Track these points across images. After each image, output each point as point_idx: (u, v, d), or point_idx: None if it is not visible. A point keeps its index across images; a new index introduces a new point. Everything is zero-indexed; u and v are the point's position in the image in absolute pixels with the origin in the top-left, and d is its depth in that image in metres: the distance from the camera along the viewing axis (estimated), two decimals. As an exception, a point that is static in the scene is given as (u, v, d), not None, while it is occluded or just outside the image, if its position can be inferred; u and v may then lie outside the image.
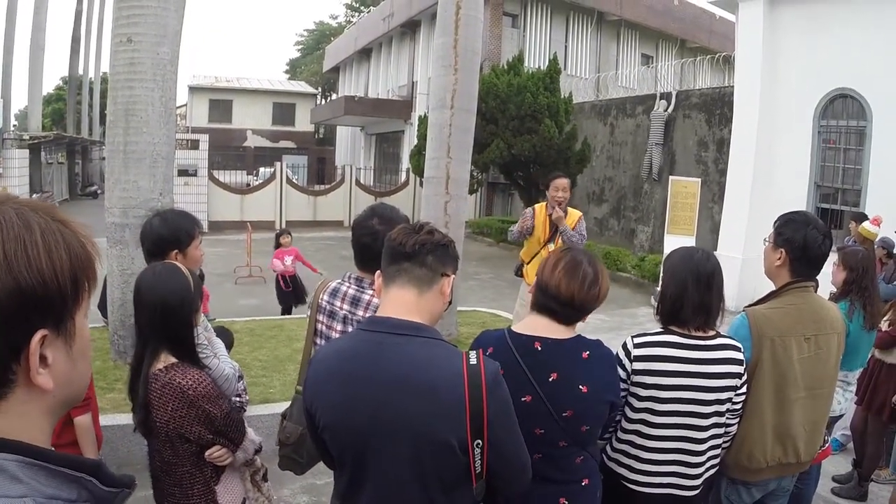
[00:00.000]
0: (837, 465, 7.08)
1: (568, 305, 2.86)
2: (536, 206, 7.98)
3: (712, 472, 3.48)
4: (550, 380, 2.80)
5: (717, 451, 3.47)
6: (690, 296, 3.28)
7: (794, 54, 14.74)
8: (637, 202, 21.63)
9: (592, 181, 23.50)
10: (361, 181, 32.76)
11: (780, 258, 3.70)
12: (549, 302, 2.90)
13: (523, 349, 2.84)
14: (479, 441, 2.24)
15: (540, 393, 2.78)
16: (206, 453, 3.18)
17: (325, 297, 3.65)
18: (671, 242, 13.23)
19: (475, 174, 21.27)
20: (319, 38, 69.65)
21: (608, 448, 3.45)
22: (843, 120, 14.29)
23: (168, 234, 3.94)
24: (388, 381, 2.24)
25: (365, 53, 46.11)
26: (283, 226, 27.78)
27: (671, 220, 13.99)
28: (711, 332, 3.33)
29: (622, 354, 3.28)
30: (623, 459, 3.37)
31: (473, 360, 2.29)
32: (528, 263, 7.89)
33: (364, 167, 38.01)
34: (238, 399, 3.53)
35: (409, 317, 2.36)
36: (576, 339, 2.91)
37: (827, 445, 4.50)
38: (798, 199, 14.29)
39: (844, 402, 5.30)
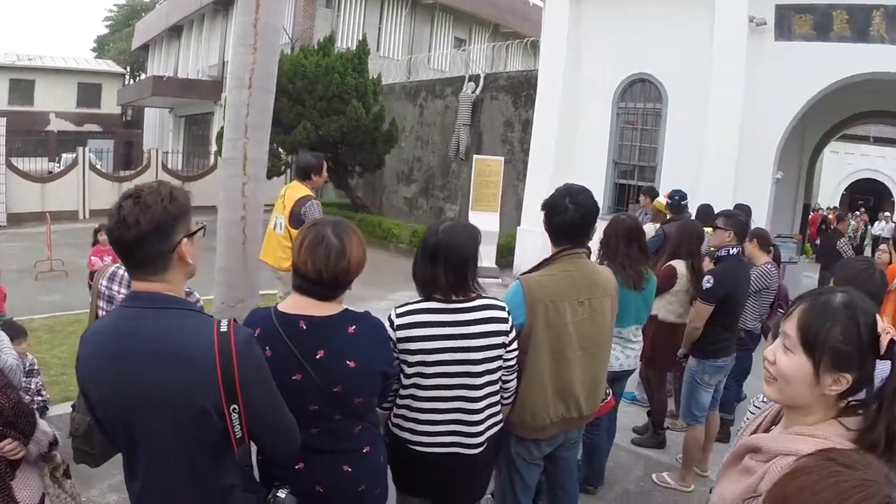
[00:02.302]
0: (636, 417, 7.64)
1: (318, 283, 2.83)
2: (311, 194, 7.57)
3: (496, 429, 3.61)
4: (318, 357, 2.79)
5: (497, 409, 3.60)
6: (419, 268, 3.43)
7: (597, 40, 15.52)
8: (445, 181, 22.09)
9: (402, 161, 23.81)
10: (169, 166, 31.54)
11: (544, 222, 3.99)
12: (301, 282, 2.88)
13: (289, 328, 2.82)
14: (235, 406, 2.30)
15: (309, 371, 2.78)
16: None
17: (104, 283, 3.63)
18: (475, 219, 13.47)
19: (283, 156, 21.05)
20: (130, 13, 65.94)
21: (392, 415, 3.51)
22: (640, 102, 15.26)
23: None
24: (147, 353, 2.27)
25: (176, 31, 44.15)
26: (87, 215, 26.55)
27: (475, 197, 14.29)
28: (473, 295, 3.42)
29: (387, 325, 3.30)
30: (404, 424, 3.45)
31: (224, 328, 2.34)
32: None
33: (172, 151, 36.62)
34: (40, 398, 3.35)
35: (164, 291, 2.37)
36: (342, 315, 2.90)
37: (609, 398, 4.76)
38: (597, 176, 15.20)
39: (625, 358, 5.61)
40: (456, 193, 21.46)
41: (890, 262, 8.46)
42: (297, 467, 2.88)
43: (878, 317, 1.85)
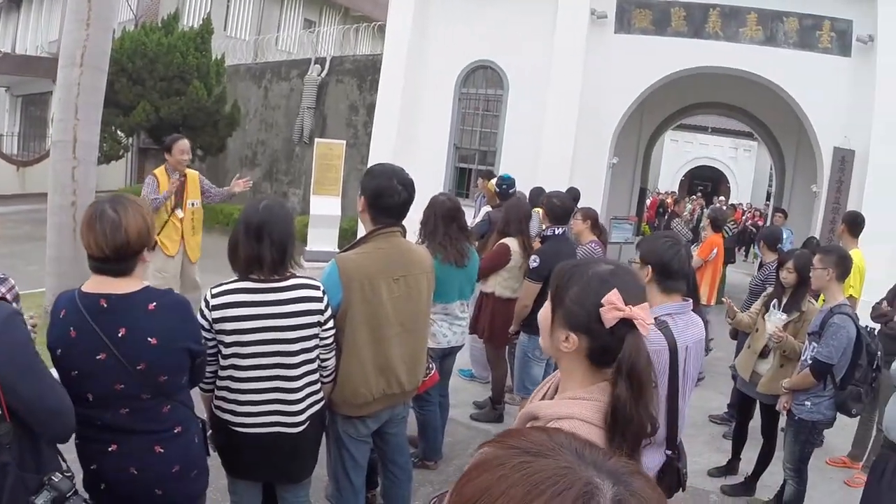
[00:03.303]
0: (476, 394, 7.89)
1: (104, 259, 2.84)
2: (156, 172, 7.65)
3: (317, 407, 3.66)
4: (120, 335, 2.79)
5: (317, 387, 3.65)
6: (244, 247, 3.39)
7: (441, 26, 15.74)
8: (289, 165, 21.84)
9: (245, 145, 23.34)
10: (3, 149, 29.65)
11: (361, 205, 4.01)
12: (91, 261, 2.88)
13: (91, 308, 2.81)
14: None
15: (112, 349, 2.77)
16: None
17: None
18: (317, 203, 13.42)
19: (122, 139, 20.35)
20: (-31, -17, 62.64)
21: (214, 397, 3.52)
22: (482, 88, 15.65)
23: None
24: None
25: (15, 3, 41.68)
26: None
27: (317, 181, 14.20)
28: (287, 275, 3.46)
29: (203, 305, 3.34)
30: (225, 405, 3.45)
31: None
32: (159, 234, 7.44)
33: (8, 133, 34.71)
34: None
35: None
36: (142, 292, 2.91)
37: (433, 372, 4.94)
38: (438, 159, 15.53)
39: (452, 334, 5.80)
40: (300, 178, 21.20)
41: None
42: (109, 449, 2.87)
43: (614, 292, 1.90)
